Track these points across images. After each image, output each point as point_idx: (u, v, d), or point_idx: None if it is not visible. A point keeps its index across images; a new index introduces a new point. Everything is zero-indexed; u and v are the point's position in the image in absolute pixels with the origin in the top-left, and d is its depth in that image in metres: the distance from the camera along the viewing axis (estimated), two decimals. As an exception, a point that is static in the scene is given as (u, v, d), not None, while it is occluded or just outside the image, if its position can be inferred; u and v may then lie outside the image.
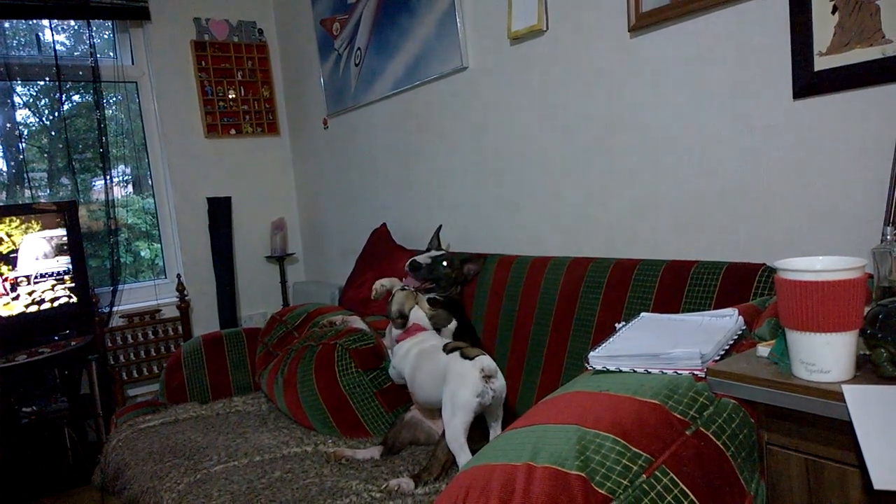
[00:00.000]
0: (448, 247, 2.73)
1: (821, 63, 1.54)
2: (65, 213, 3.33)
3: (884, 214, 1.37)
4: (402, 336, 2.10)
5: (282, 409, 2.43)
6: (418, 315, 2.13)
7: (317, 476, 1.87)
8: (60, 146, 3.73)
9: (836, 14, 1.49)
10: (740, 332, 1.27)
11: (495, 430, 1.84)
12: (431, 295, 2.35)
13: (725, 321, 1.31)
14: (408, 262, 2.35)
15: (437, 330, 2.11)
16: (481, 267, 2.47)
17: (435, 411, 1.97)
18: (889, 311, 0.96)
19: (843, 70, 1.50)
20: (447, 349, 1.91)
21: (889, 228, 1.22)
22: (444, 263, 2.36)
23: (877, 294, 1.17)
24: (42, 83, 3.74)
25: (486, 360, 1.80)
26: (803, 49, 1.56)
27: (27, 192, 3.61)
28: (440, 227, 2.67)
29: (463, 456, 1.74)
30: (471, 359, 1.81)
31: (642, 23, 1.94)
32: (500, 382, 1.81)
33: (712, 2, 1.74)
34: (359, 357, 2.25)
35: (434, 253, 2.41)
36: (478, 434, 1.82)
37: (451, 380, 1.81)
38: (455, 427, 1.76)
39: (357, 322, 2.45)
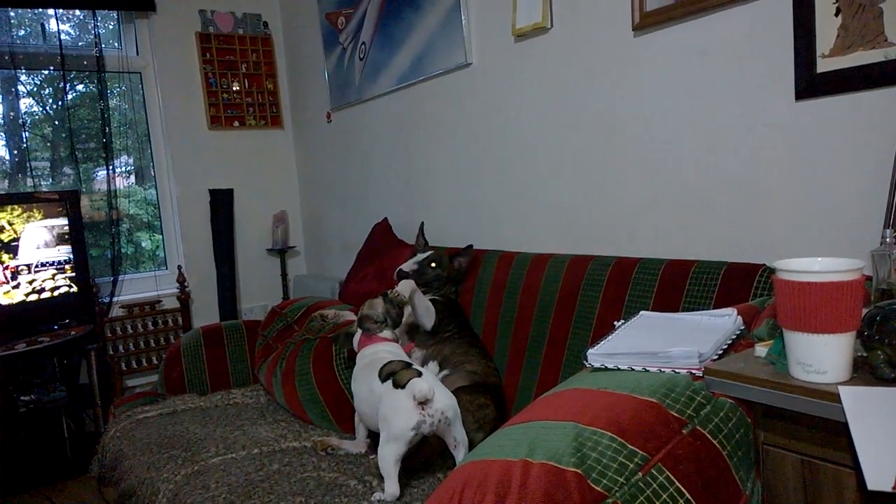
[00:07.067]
0: (424, 245, 2.62)
1: (823, 65, 1.53)
2: (66, 202, 3.33)
3: (883, 217, 1.37)
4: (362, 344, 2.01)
5: (280, 402, 2.44)
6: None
7: (315, 470, 1.87)
8: (63, 135, 3.74)
9: (840, 16, 1.49)
10: (739, 332, 1.28)
11: (460, 455, 1.67)
12: (428, 297, 2.33)
13: (724, 321, 1.31)
14: (395, 272, 2.33)
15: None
16: (472, 257, 2.43)
17: None
18: (887, 314, 0.96)
19: (845, 72, 1.50)
20: (382, 375, 1.75)
21: (888, 231, 1.22)
22: (433, 265, 2.34)
23: (875, 296, 1.18)
24: (46, 72, 3.74)
25: (418, 385, 1.62)
26: (806, 50, 1.56)
27: (29, 181, 3.62)
28: (423, 224, 2.67)
29: (388, 483, 1.63)
30: (403, 386, 1.65)
31: (646, 22, 1.94)
32: (439, 404, 1.63)
33: (716, 2, 1.74)
34: (358, 351, 2.25)
35: (419, 257, 2.37)
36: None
37: (385, 406, 1.69)
38: (384, 455, 1.65)
39: (351, 316, 2.45)
